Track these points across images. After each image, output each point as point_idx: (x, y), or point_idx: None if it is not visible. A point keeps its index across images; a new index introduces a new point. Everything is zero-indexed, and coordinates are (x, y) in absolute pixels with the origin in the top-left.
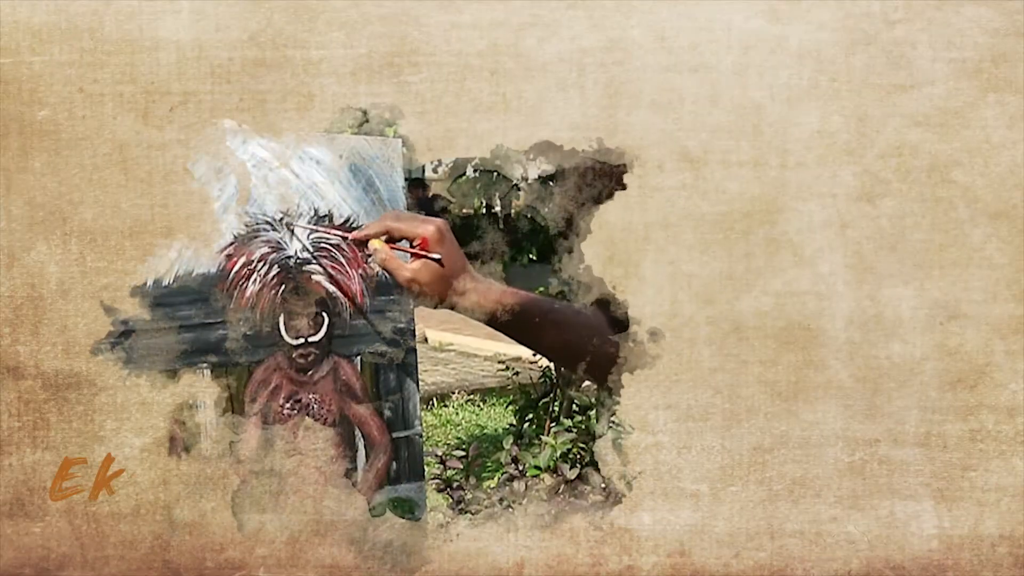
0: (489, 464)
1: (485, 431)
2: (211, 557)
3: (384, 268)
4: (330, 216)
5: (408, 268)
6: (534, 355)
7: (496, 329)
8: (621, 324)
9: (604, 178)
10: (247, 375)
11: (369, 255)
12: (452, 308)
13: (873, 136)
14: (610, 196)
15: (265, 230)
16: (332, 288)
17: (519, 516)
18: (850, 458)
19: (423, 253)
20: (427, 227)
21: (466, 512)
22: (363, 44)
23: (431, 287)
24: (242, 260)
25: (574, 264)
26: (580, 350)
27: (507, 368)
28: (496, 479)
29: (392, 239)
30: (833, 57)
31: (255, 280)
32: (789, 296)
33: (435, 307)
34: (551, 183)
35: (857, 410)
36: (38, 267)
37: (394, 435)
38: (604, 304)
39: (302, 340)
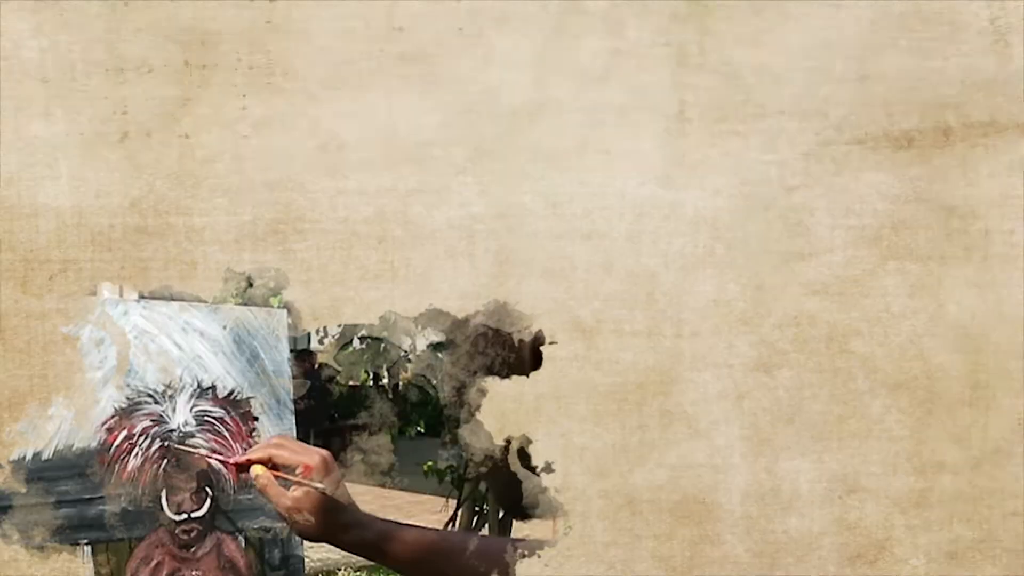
0: None
1: None
2: None
3: (265, 495)
4: (213, 388)
5: (289, 496)
6: None
7: (379, 563)
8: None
9: (497, 346)
10: (128, 551)
11: (252, 479)
12: (333, 543)
13: (770, 305)
14: (523, 372)
15: (147, 402)
16: (215, 463)
17: None
18: None
19: (307, 482)
20: (312, 456)
21: None
22: (247, 211)
23: (313, 517)
24: (123, 433)
25: (468, 434)
26: None
27: None
28: None
29: (275, 466)
30: (729, 224)
31: (136, 454)
32: (684, 469)
33: (315, 540)
34: (440, 353)
35: None
36: None
37: None
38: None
39: (185, 516)
